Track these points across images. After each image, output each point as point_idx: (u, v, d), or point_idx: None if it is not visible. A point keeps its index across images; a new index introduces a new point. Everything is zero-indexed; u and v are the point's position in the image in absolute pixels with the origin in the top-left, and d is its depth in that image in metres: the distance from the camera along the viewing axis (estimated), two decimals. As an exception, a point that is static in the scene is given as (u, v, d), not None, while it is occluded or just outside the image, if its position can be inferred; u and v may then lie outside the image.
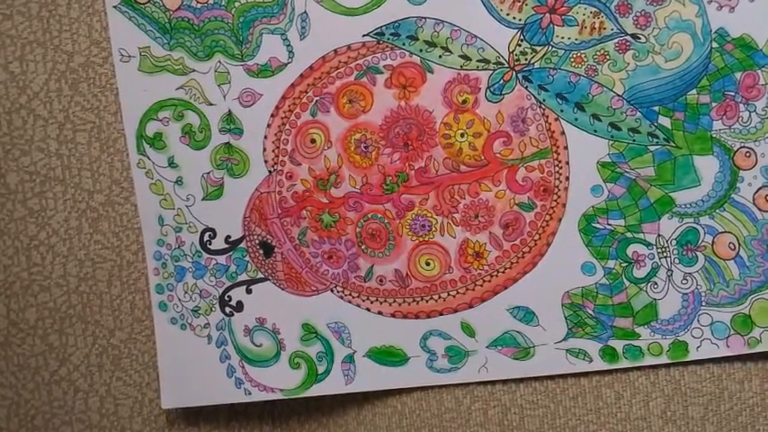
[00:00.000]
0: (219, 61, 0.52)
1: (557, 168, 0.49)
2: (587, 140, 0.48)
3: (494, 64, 0.49)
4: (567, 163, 0.49)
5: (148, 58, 0.53)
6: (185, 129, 0.53)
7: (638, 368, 0.50)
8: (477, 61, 0.49)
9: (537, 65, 0.48)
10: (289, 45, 0.51)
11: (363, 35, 0.50)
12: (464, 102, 0.49)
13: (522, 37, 0.48)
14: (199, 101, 0.52)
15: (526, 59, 0.48)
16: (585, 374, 0.50)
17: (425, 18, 0.49)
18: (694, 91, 0.47)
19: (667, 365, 0.49)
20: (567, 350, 0.50)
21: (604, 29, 0.47)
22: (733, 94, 0.47)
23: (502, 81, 0.49)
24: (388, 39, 0.50)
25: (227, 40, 0.52)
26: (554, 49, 0.48)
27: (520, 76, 0.49)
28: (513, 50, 0.49)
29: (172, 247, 0.54)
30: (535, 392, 0.51)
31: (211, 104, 0.52)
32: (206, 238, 0.54)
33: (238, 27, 0.51)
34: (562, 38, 0.48)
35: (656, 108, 0.48)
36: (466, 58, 0.49)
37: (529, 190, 0.49)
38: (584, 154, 0.49)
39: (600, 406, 0.51)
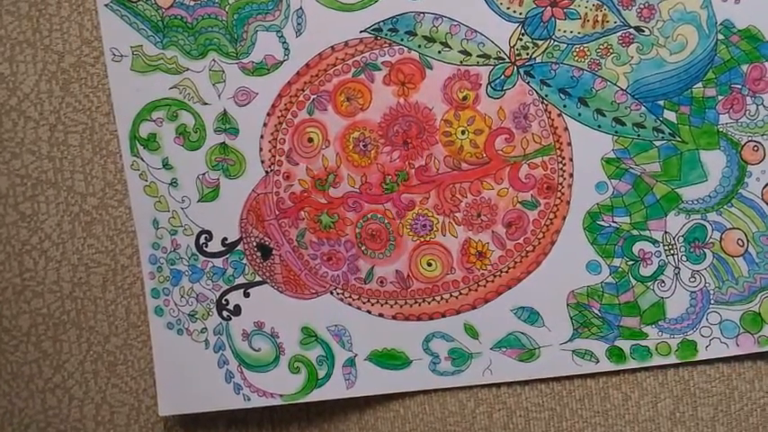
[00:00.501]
0: (214, 60, 0.51)
1: (560, 165, 0.48)
2: (591, 136, 0.47)
3: (494, 59, 0.48)
4: (571, 159, 0.48)
5: (141, 58, 0.52)
6: (179, 129, 0.52)
7: (646, 369, 0.49)
8: (478, 56, 0.48)
9: (539, 59, 0.47)
10: (284, 42, 0.50)
11: (361, 31, 0.49)
12: (464, 98, 0.48)
13: (523, 31, 0.47)
14: (193, 100, 0.51)
15: (527, 54, 0.47)
16: (592, 376, 0.50)
17: (424, 13, 0.48)
18: (700, 84, 0.46)
19: (676, 365, 0.49)
20: (572, 351, 0.49)
21: (607, 22, 0.47)
22: (740, 86, 0.46)
23: (503, 76, 0.48)
24: (386, 34, 0.49)
25: (221, 38, 0.51)
26: (556, 43, 0.47)
27: (521, 71, 0.48)
28: (515, 45, 0.48)
29: (167, 250, 0.53)
30: (541, 395, 0.50)
31: (206, 104, 0.51)
32: (202, 240, 0.53)
33: (232, 24, 0.51)
34: (564, 32, 0.47)
35: (662, 102, 0.47)
36: (466, 53, 0.48)
37: (532, 187, 0.48)
38: (588, 150, 0.48)
39: (607, 408, 0.50)
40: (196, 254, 0.53)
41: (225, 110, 0.51)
